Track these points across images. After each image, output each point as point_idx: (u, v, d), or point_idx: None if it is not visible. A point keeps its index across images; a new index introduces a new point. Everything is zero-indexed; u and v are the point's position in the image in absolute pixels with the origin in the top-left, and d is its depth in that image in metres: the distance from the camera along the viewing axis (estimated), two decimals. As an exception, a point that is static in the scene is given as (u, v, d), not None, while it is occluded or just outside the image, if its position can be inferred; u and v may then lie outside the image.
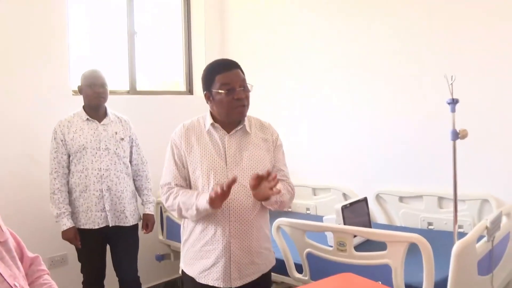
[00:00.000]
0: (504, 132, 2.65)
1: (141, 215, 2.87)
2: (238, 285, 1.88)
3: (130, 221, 2.76)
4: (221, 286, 1.87)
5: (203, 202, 1.76)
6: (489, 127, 2.68)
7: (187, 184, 1.93)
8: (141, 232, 2.87)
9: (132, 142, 2.82)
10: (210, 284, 1.88)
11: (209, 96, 1.89)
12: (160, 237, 3.41)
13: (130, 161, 2.82)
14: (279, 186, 1.77)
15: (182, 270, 2.00)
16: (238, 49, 3.98)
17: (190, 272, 1.94)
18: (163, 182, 1.95)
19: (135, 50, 3.69)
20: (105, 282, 2.80)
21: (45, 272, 1.49)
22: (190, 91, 4.10)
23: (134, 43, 3.68)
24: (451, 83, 2.06)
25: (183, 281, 2.04)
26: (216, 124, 1.91)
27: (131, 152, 2.82)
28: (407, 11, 2.98)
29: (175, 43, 4.09)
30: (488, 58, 2.67)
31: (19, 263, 1.36)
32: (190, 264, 1.94)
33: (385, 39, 3.10)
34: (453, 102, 2.07)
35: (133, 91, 3.69)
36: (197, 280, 1.91)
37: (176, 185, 1.91)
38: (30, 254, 1.48)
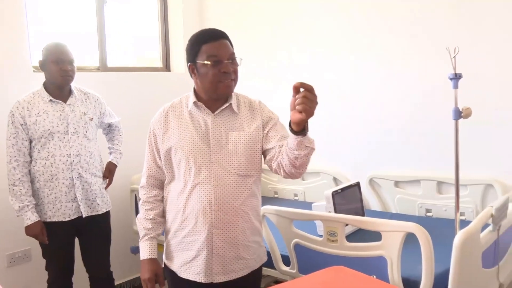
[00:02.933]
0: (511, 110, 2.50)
1: (110, 202, 2.71)
2: (222, 280, 1.78)
3: (102, 208, 2.60)
4: (202, 281, 1.77)
5: (144, 250, 1.82)
6: (495, 105, 2.54)
7: (164, 173, 1.84)
8: (113, 223, 2.72)
9: (103, 118, 2.66)
10: (191, 278, 1.79)
11: (193, 68, 1.76)
12: (135, 227, 3.21)
13: (105, 128, 2.75)
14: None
15: (164, 263, 1.91)
16: (220, 21, 3.78)
17: (171, 265, 1.86)
18: (142, 174, 1.90)
19: (105, 22, 3.46)
20: (74, 278, 2.62)
21: None
22: (167, 67, 3.89)
23: (104, 14, 3.44)
24: (454, 56, 1.90)
25: (165, 276, 1.94)
26: (199, 103, 1.77)
27: (102, 123, 2.69)
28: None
29: (150, 15, 3.86)
30: (496, 29, 2.50)
31: None
32: (171, 257, 1.85)
33: (379, 11, 2.93)
34: (456, 77, 1.93)
35: (103, 67, 3.46)
36: (178, 274, 1.82)
37: (150, 176, 1.86)
38: None
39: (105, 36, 3.45)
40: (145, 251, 1.83)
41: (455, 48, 1.89)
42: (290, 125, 1.56)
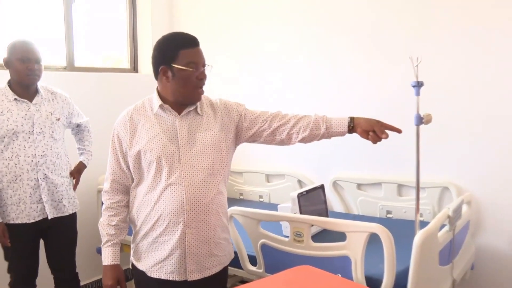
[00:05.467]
0: (468, 118, 2.61)
1: (77, 203, 2.66)
2: (196, 278, 1.79)
3: (68, 209, 2.54)
4: (176, 280, 1.77)
5: (106, 256, 1.82)
6: (451, 113, 2.64)
7: (129, 178, 1.84)
8: (80, 223, 2.66)
9: (71, 118, 2.61)
10: (163, 277, 1.78)
11: (166, 71, 1.74)
12: (101, 228, 3.19)
13: (74, 128, 2.71)
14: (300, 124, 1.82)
15: (132, 264, 1.89)
16: (189, 23, 3.77)
17: (141, 266, 1.84)
18: (105, 179, 1.89)
19: (73, 21, 3.38)
20: (38, 281, 2.55)
21: None
22: (135, 68, 3.84)
23: (71, 14, 3.37)
24: (417, 65, 1.98)
25: (133, 276, 1.93)
26: (165, 106, 1.78)
27: (70, 123, 2.64)
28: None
29: (118, 15, 3.79)
30: (456, 40, 2.62)
31: None
32: (141, 257, 1.84)
33: (345, 18, 3.00)
34: (418, 85, 2.00)
35: (70, 67, 3.39)
36: (148, 274, 1.81)
37: (114, 180, 1.84)
38: None
39: (73, 35, 3.38)
40: (108, 257, 1.82)
41: (417, 58, 1.96)
42: (350, 125, 1.77)
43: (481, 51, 2.54)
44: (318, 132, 1.80)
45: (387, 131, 1.71)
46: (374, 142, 1.72)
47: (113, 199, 1.84)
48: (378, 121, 1.74)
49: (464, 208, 2.38)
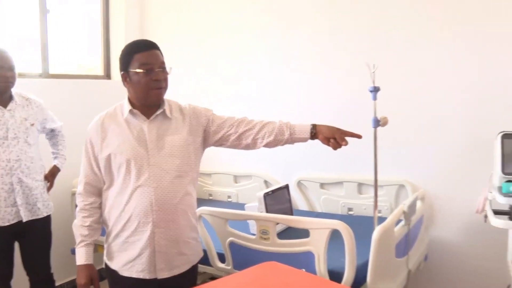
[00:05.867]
0: (422, 120, 2.76)
1: (51, 206, 2.66)
2: (166, 276, 1.83)
3: (43, 212, 2.55)
4: (146, 278, 1.81)
5: (80, 256, 1.86)
6: (406, 115, 2.78)
7: (102, 181, 1.87)
8: (54, 225, 2.67)
9: (45, 123, 2.62)
10: (134, 276, 1.82)
11: (126, 77, 1.81)
12: (75, 229, 3.19)
13: (48, 133, 2.71)
14: (265, 130, 1.89)
15: (105, 263, 1.93)
16: (160, 30, 3.81)
17: (113, 265, 1.88)
18: (79, 182, 1.92)
19: (48, 30, 3.37)
20: (13, 282, 2.55)
21: None
22: (108, 75, 3.85)
23: (46, 22, 3.36)
24: (373, 71, 2.09)
25: (106, 275, 1.96)
26: (135, 111, 1.83)
27: (44, 128, 2.65)
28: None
29: (92, 23, 3.79)
30: (409, 48, 2.76)
31: None
32: (114, 257, 1.88)
33: (308, 26, 3.10)
34: (375, 90, 2.11)
35: (45, 74, 3.39)
36: (120, 273, 1.85)
37: (87, 183, 1.87)
38: None
39: (48, 43, 3.37)
40: (82, 257, 1.86)
41: (373, 64, 2.07)
42: (312, 131, 1.84)
43: (434, 56, 2.69)
44: (282, 138, 1.88)
45: (347, 137, 1.81)
46: (335, 148, 1.82)
47: (86, 201, 1.88)
48: (338, 129, 1.84)
49: (418, 203, 2.50)
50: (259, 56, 3.31)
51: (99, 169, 1.85)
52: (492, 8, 2.54)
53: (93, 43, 3.83)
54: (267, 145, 1.91)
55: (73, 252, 3.04)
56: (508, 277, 1.94)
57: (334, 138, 1.80)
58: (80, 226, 1.87)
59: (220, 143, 1.96)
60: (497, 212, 1.99)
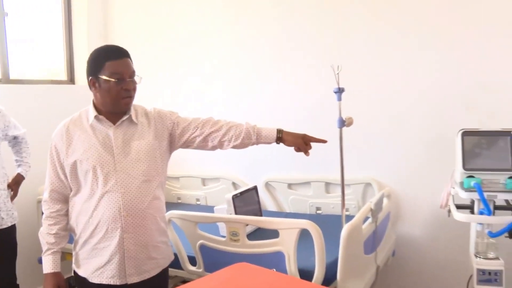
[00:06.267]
0: (385, 119, 2.83)
1: (16, 215, 2.59)
2: (136, 281, 1.82)
3: (7, 221, 2.49)
4: (116, 284, 1.80)
5: (47, 264, 1.83)
6: (371, 116, 2.84)
7: (68, 187, 1.85)
8: (20, 234, 2.61)
9: (7, 130, 2.55)
10: (104, 282, 1.80)
11: (94, 82, 1.78)
12: (41, 238, 3.10)
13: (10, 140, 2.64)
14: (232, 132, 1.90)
15: (74, 271, 1.90)
16: (124, 35, 3.76)
17: (82, 272, 1.85)
18: (44, 189, 1.89)
19: (6, 33, 3.28)
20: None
21: None
22: (71, 80, 3.77)
23: (5, 25, 3.27)
24: (338, 73, 2.13)
25: (75, 283, 1.93)
26: (100, 116, 1.81)
27: (7, 135, 2.59)
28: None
29: (54, 27, 3.70)
30: (372, 51, 2.82)
31: None
32: (82, 264, 1.85)
33: (271, 26, 3.13)
34: (339, 91, 2.15)
35: (5, 79, 3.29)
36: (90, 280, 1.83)
37: (53, 190, 1.85)
38: None
39: (6, 47, 3.28)
40: (48, 265, 1.82)
41: (338, 66, 2.11)
42: (278, 136, 1.89)
43: (395, 57, 2.76)
44: (249, 141, 1.91)
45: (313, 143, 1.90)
46: (299, 152, 1.92)
47: (52, 208, 1.84)
48: (303, 136, 1.90)
49: (385, 201, 2.57)
50: (227, 59, 3.31)
51: (65, 176, 1.82)
52: (448, 7, 2.62)
53: (55, 47, 3.74)
54: (234, 147, 1.94)
55: (40, 261, 2.97)
56: (470, 268, 2.00)
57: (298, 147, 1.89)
58: (46, 234, 1.83)
59: (186, 145, 1.96)
60: (459, 207, 2.06)
